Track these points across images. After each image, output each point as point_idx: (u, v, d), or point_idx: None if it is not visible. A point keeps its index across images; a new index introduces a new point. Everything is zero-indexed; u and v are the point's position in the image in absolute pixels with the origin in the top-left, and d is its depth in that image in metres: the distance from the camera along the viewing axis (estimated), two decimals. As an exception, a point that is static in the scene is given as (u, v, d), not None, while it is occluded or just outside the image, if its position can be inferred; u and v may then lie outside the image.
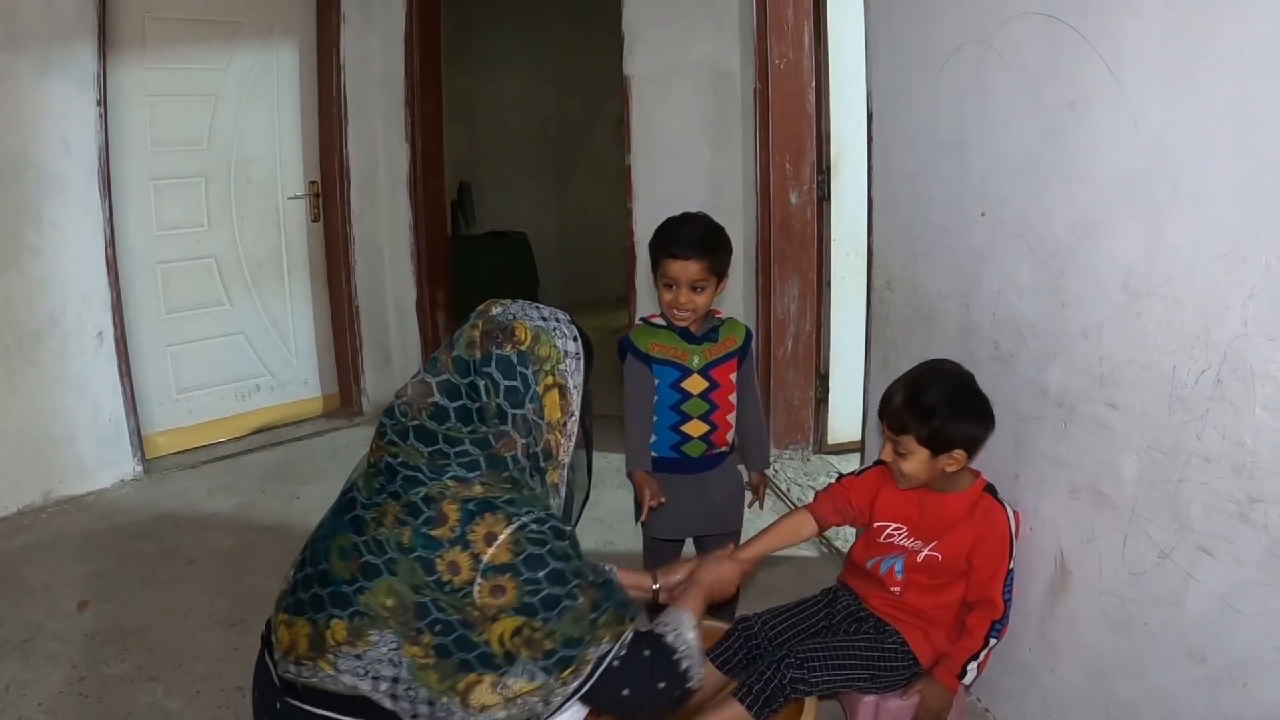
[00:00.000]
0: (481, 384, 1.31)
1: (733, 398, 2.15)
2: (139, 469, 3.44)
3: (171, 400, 3.69)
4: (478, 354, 1.32)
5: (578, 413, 1.39)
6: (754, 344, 2.47)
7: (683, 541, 2.32)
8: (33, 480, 3.18)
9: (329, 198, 4.01)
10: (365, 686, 1.26)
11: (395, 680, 1.25)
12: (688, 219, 2.07)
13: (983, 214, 1.90)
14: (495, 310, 1.38)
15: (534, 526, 1.26)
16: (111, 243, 3.28)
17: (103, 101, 3.20)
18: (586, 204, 6.61)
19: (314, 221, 4.04)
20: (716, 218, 3.32)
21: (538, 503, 1.31)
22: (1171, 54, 1.39)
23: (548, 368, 1.35)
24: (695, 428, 2.13)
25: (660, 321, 2.13)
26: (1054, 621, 1.75)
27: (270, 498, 3.31)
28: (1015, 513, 1.77)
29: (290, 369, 4.05)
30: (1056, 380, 1.70)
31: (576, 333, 1.41)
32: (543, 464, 1.35)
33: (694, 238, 2.02)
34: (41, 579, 2.70)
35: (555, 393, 1.35)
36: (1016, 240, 1.79)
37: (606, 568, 1.60)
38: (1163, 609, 1.47)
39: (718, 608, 2.27)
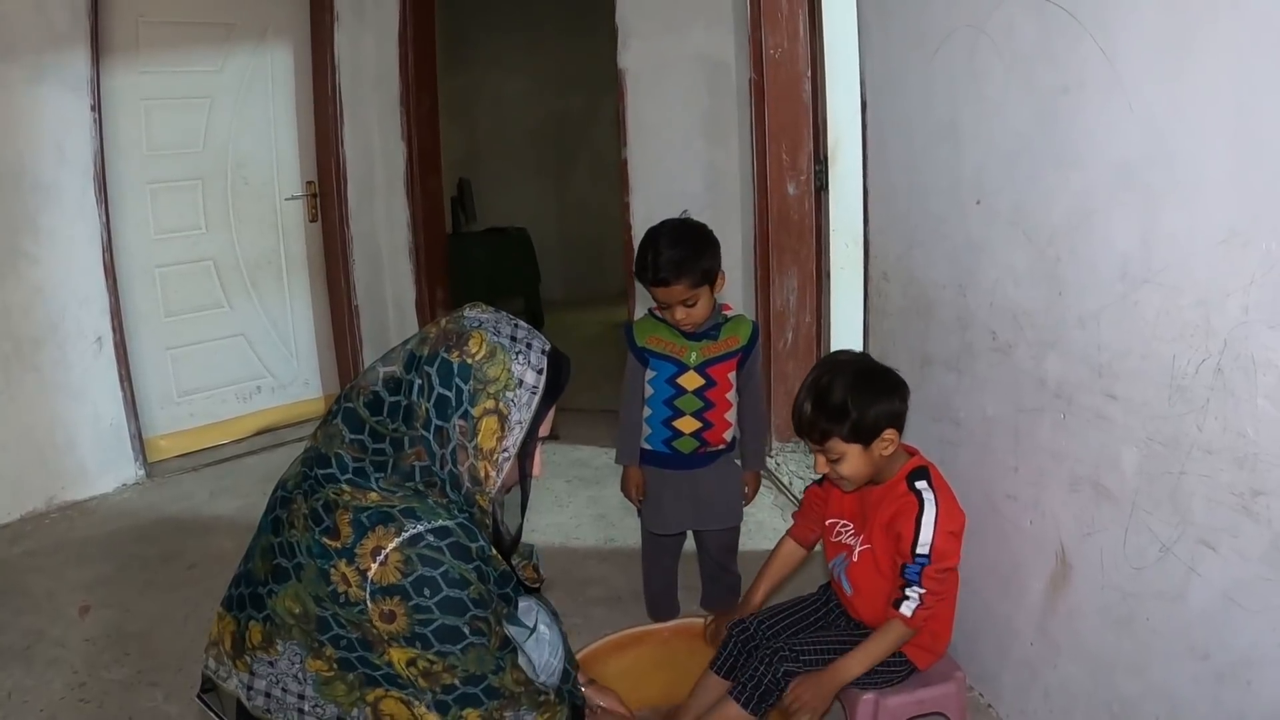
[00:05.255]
0: (417, 383, 1.22)
1: (731, 396, 2.12)
2: (141, 473, 3.44)
3: (172, 403, 3.69)
4: (425, 351, 1.24)
5: (513, 450, 1.25)
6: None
7: (683, 535, 2.30)
8: (35, 486, 3.19)
9: (326, 198, 4.01)
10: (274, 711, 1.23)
11: (301, 697, 1.22)
12: (659, 240, 2.00)
13: (978, 202, 1.86)
14: (469, 313, 1.29)
15: (430, 540, 1.16)
16: (109, 248, 3.28)
17: (97, 107, 3.20)
18: (586, 199, 6.60)
19: (312, 222, 4.03)
20: (713, 210, 3.29)
21: (444, 511, 1.21)
22: (1166, 35, 1.35)
23: (492, 390, 1.22)
24: (687, 424, 2.11)
25: (663, 316, 2.11)
26: (1055, 616, 1.72)
27: (272, 500, 3.30)
28: (940, 503, 1.65)
29: (291, 370, 4.05)
30: (1055, 370, 1.67)
31: (544, 365, 1.26)
32: (469, 486, 1.24)
33: (667, 263, 1.97)
34: (43, 585, 2.70)
35: (494, 419, 1.22)
36: (1012, 228, 1.76)
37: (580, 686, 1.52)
38: (1165, 604, 1.44)
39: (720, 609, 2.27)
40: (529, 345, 1.27)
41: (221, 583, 2.61)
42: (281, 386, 4.02)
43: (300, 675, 1.21)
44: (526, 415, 1.25)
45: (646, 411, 2.14)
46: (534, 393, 1.25)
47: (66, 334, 3.21)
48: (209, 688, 1.34)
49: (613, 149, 3.89)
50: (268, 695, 1.25)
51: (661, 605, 2.31)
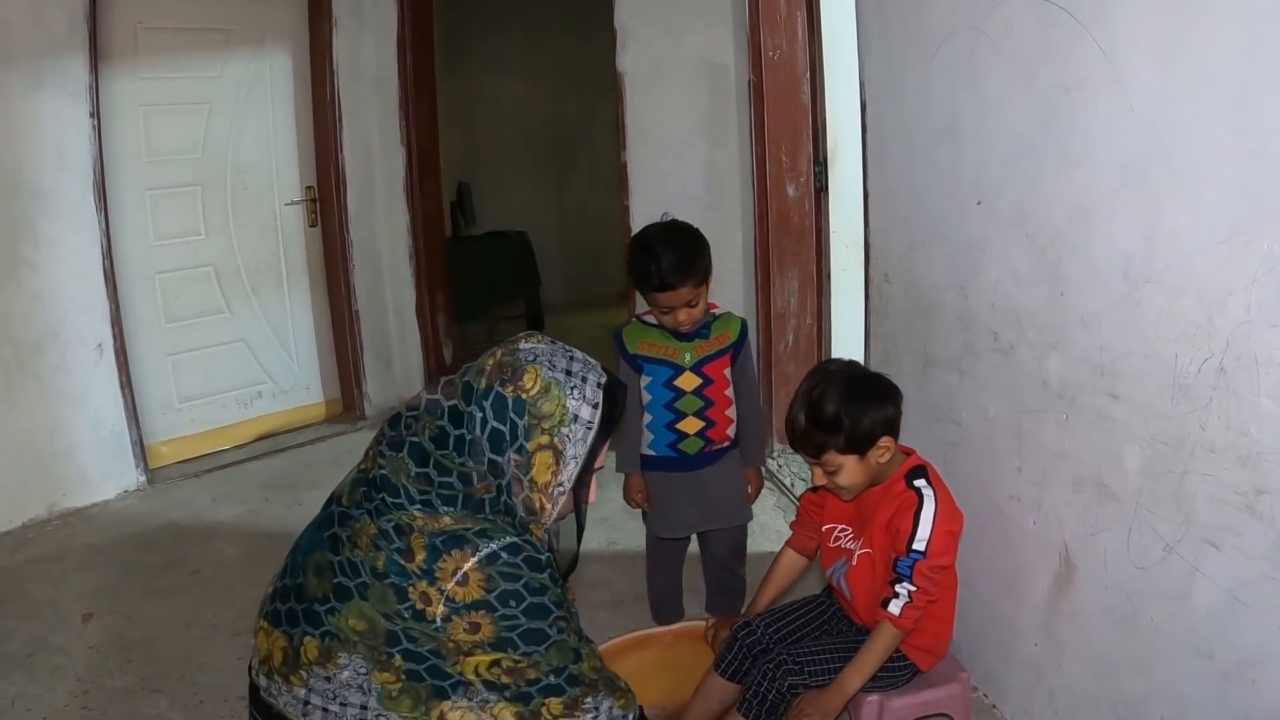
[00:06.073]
0: (479, 416, 1.23)
1: (729, 392, 2.12)
2: (142, 479, 3.44)
3: (173, 409, 3.69)
4: (482, 384, 1.25)
5: (569, 484, 1.26)
6: (753, 338, 2.44)
7: (687, 538, 2.30)
8: (36, 494, 3.19)
9: (326, 203, 4.01)
10: None
11: (364, 708, 1.21)
12: (655, 246, 1.98)
13: (979, 202, 1.86)
14: (524, 345, 1.29)
15: (505, 557, 1.19)
16: (109, 254, 3.28)
17: (96, 113, 3.20)
18: (586, 202, 6.60)
19: (311, 227, 4.03)
20: (714, 212, 3.28)
21: (511, 530, 1.23)
22: (1166, 33, 1.35)
23: (546, 426, 1.23)
24: (690, 425, 2.11)
25: (652, 320, 2.11)
26: (1059, 617, 1.72)
27: (274, 505, 3.30)
28: (940, 501, 1.64)
29: (292, 375, 4.05)
30: (1057, 371, 1.67)
31: (599, 399, 1.27)
32: (524, 516, 1.26)
33: (671, 267, 1.96)
34: (46, 592, 2.70)
35: (549, 454, 1.24)
36: (1014, 229, 1.76)
37: None
38: (1169, 603, 1.44)
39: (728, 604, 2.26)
40: (584, 379, 1.27)
41: (224, 589, 2.65)
42: (282, 392, 4.02)
43: (365, 686, 1.21)
44: (582, 450, 1.26)
45: (647, 418, 2.13)
46: (589, 428, 1.26)
47: (67, 341, 3.21)
48: (261, 705, 1.32)
49: (612, 151, 3.89)
50: (325, 711, 1.24)
51: (666, 609, 2.31)
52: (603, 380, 1.29)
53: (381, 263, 4.21)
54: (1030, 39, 1.65)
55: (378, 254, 4.18)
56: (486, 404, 1.23)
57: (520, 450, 1.23)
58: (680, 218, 2.11)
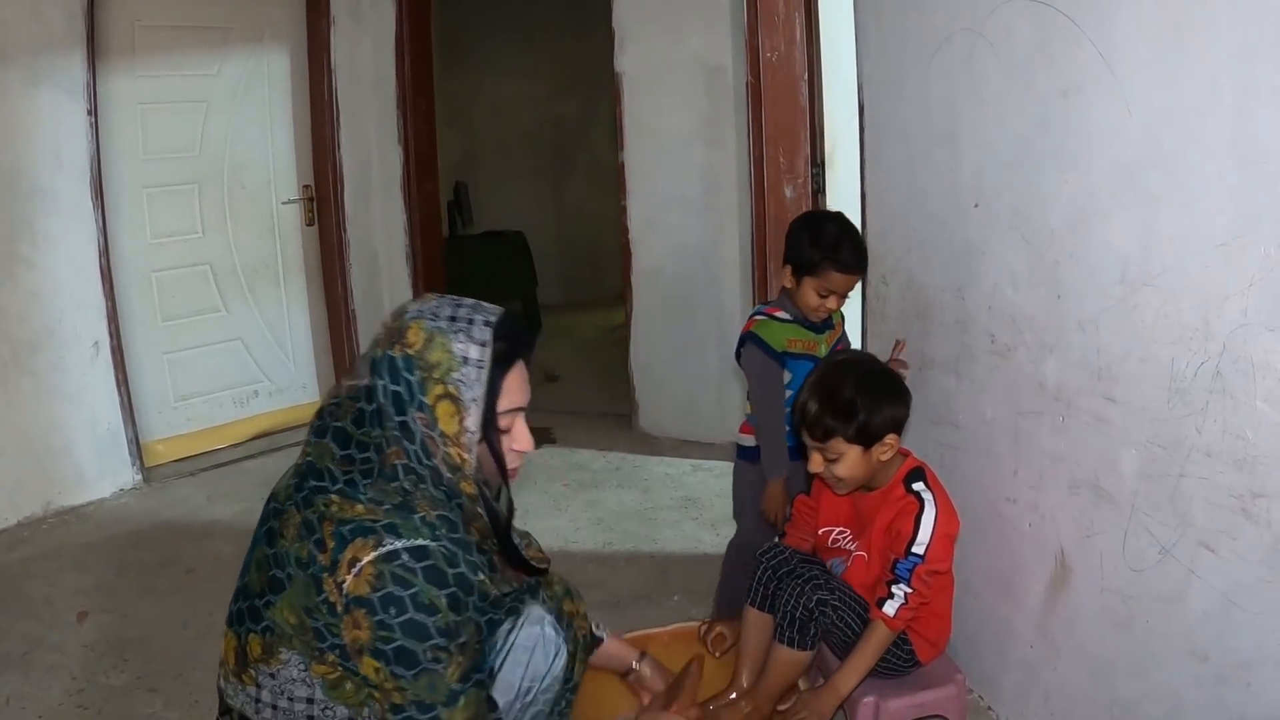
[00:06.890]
0: (380, 384, 1.24)
1: None
2: (138, 478, 3.44)
3: (170, 408, 3.68)
4: (378, 352, 1.26)
5: (477, 428, 1.24)
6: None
7: None
8: (32, 492, 3.18)
9: (323, 202, 4.01)
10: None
11: (310, 701, 1.22)
12: (848, 228, 2.04)
13: (976, 205, 1.87)
14: (411, 306, 1.30)
15: (405, 559, 1.16)
16: (105, 252, 3.28)
17: (93, 111, 3.20)
18: (583, 202, 6.60)
19: (308, 226, 4.03)
20: (711, 214, 3.28)
21: (428, 530, 1.20)
22: (1164, 37, 1.36)
23: (437, 375, 1.22)
24: None
25: (785, 315, 2.10)
26: (1055, 619, 1.72)
27: (270, 504, 3.30)
28: (939, 505, 1.67)
29: (288, 374, 4.04)
30: (1054, 374, 1.67)
31: (489, 337, 1.24)
32: (449, 475, 1.25)
33: (862, 251, 2.03)
34: (41, 591, 2.69)
35: (448, 403, 1.22)
36: (1011, 231, 1.76)
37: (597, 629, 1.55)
38: (1164, 606, 1.45)
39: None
40: (470, 321, 1.25)
41: (220, 588, 2.61)
42: (278, 391, 4.01)
43: (308, 679, 1.22)
44: (479, 391, 1.24)
45: (784, 411, 2.12)
46: (481, 367, 1.24)
47: (63, 339, 3.21)
48: (225, 710, 1.34)
49: (610, 152, 3.90)
50: (274, 707, 1.25)
51: (737, 603, 2.26)
52: (491, 319, 1.27)
53: (378, 262, 4.21)
54: (1028, 42, 1.65)
55: (375, 253, 4.19)
56: (384, 370, 1.24)
57: (421, 407, 1.22)
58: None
